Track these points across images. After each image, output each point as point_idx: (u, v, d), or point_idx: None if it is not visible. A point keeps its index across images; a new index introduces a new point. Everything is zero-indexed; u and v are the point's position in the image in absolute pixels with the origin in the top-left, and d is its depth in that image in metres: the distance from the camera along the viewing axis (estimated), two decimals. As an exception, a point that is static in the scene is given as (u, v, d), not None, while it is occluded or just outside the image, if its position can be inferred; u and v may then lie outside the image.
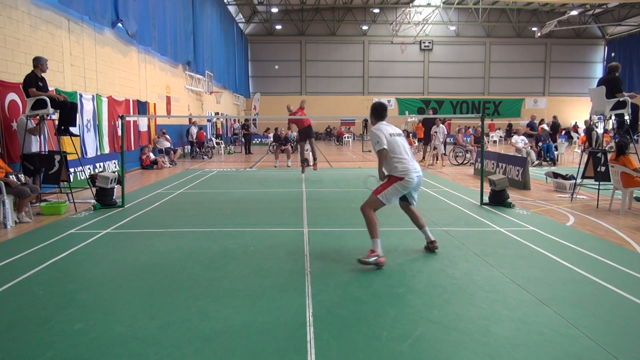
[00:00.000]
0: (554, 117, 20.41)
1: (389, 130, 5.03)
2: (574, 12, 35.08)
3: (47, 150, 9.17)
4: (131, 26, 13.92)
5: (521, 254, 5.25)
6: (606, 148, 9.74)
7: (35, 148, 8.16)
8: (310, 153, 12.47)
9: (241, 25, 37.32)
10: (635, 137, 9.39)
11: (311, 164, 12.33)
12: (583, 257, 5.09)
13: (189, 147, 20.64)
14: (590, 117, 9.89)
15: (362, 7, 38.91)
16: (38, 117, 7.96)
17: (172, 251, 5.31)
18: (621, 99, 8.09)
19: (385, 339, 3.19)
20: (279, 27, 38.80)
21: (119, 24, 13.29)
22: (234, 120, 32.08)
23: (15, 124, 8.55)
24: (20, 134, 8.05)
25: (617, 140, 8.41)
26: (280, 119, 32.28)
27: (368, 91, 40.59)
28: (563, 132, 22.70)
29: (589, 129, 10.71)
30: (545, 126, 18.70)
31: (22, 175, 7.71)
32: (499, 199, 8.19)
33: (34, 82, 7.73)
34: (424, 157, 17.47)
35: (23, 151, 7.89)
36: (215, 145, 24.18)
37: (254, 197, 9.65)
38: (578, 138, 22.34)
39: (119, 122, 9.17)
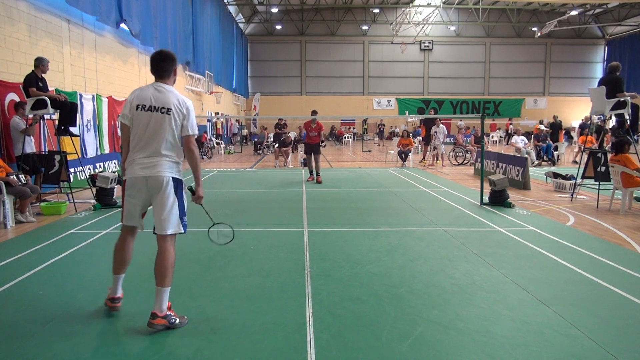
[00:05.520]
0: (554, 117, 20.41)
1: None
2: (574, 12, 35.07)
3: (47, 150, 9.17)
4: (135, 26, 13.96)
5: (521, 254, 5.25)
6: (606, 148, 9.73)
7: (29, 149, 8.11)
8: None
9: (241, 25, 37.30)
10: (635, 137, 9.38)
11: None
12: (583, 257, 5.09)
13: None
14: (590, 117, 9.88)
15: (362, 7, 38.90)
16: (31, 117, 7.93)
17: (172, 251, 5.30)
18: (622, 99, 8.08)
19: (385, 339, 3.19)
20: (279, 27, 38.78)
21: (123, 24, 13.32)
22: (235, 120, 32.11)
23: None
24: (14, 134, 8.03)
25: (616, 138, 8.40)
26: (280, 119, 32.20)
27: (368, 91, 40.58)
28: (564, 132, 22.63)
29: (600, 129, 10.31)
30: (542, 126, 18.73)
31: (22, 175, 7.71)
32: (499, 199, 8.19)
33: (34, 82, 7.73)
34: (424, 157, 17.47)
35: (21, 151, 7.86)
36: (215, 145, 24.18)
37: (254, 197, 9.65)
38: (578, 138, 22.34)
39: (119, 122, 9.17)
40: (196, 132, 3.55)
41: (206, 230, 4.14)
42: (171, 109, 3.44)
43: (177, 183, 3.48)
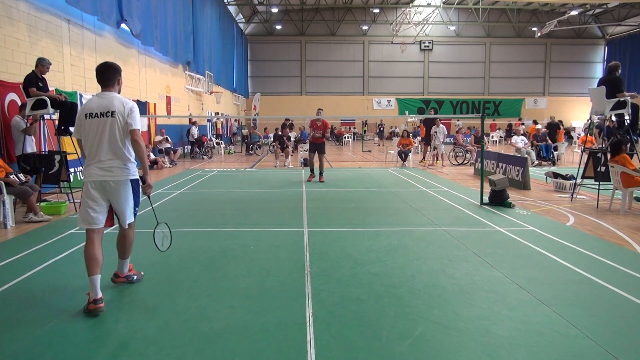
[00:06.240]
0: (551, 117, 20.42)
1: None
2: (574, 12, 35.09)
3: (47, 150, 9.18)
4: (135, 26, 13.98)
5: (521, 254, 5.25)
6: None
7: (30, 148, 8.12)
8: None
9: (241, 25, 37.31)
10: (635, 137, 9.38)
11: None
12: (583, 257, 5.09)
13: (189, 147, 20.65)
14: (590, 117, 9.88)
15: (362, 7, 38.91)
16: (31, 117, 7.93)
17: (172, 251, 5.30)
18: (621, 99, 8.08)
19: (385, 339, 3.19)
20: (279, 27, 38.80)
21: (123, 24, 13.33)
22: (234, 120, 32.09)
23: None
24: (15, 134, 8.03)
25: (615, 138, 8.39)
26: (280, 119, 32.24)
27: (368, 91, 40.59)
28: (563, 132, 22.58)
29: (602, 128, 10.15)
30: (539, 126, 18.73)
31: (22, 175, 7.72)
32: (499, 199, 8.19)
33: (34, 82, 7.73)
34: (424, 157, 17.48)
35: (21, 152, 7.87)
36: (215, 145, 24.18)
37: (254, 197, 9.65)
38: (578, 138, 22.34)
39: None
40: (139, 126, 3.86)
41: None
42: (115, 112, 3.75)
43: (134, 183, 3.91)
